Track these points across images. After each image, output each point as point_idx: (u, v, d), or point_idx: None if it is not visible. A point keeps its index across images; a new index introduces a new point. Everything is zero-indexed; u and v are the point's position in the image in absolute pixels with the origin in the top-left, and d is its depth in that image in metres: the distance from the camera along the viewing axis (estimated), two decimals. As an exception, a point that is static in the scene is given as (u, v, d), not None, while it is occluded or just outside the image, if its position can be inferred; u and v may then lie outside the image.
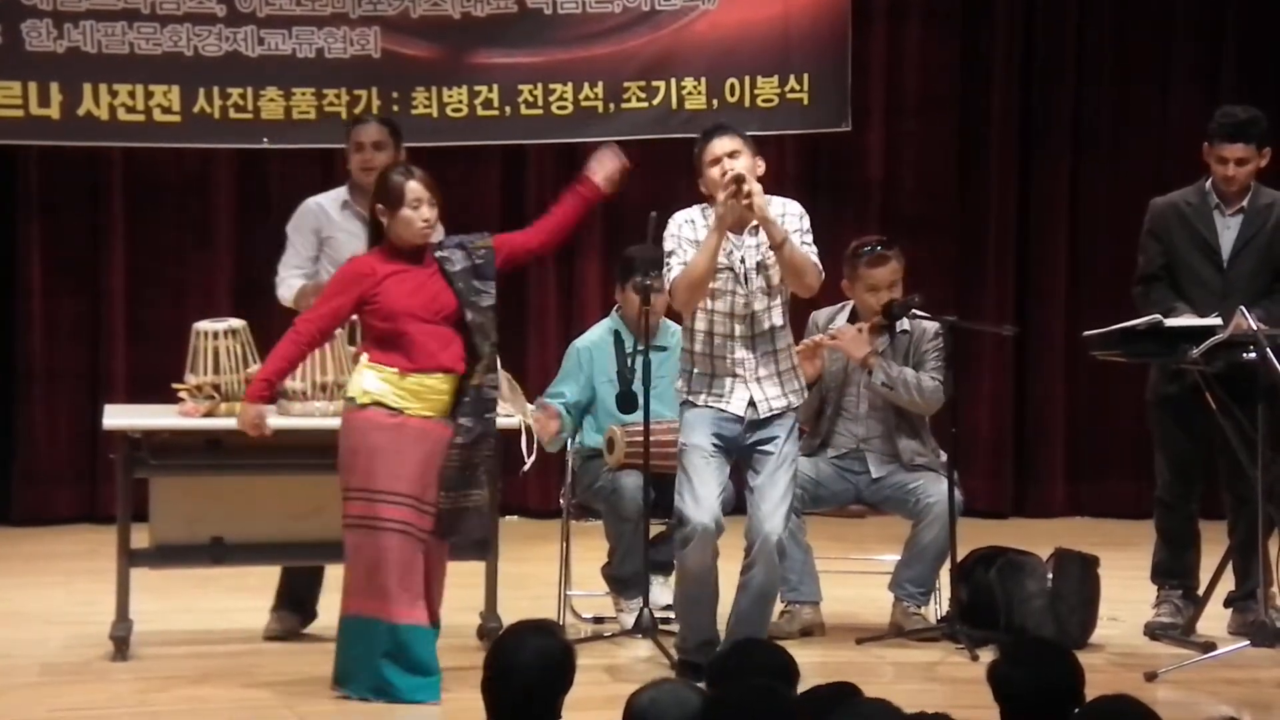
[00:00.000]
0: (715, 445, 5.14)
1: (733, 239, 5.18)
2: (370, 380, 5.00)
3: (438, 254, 5.08)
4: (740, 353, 5.16)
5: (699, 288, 5.12)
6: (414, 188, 5.05)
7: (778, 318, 5.19)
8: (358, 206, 5.70)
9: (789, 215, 5.21)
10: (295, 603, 5.73)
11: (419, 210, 5.05)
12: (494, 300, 5.09)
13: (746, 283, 5.15)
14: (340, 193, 5.81)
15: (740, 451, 5.21)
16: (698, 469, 5.13)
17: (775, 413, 5.18)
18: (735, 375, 5.16)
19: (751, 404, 5.16)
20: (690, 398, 5.19)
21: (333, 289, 5.11)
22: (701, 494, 5.11)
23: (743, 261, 5.16)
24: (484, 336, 5.07)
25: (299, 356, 5.09)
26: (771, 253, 5.13)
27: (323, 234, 5.73)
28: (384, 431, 4.97)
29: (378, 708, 4.97)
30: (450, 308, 5.06)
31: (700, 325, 5.18)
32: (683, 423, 5.21)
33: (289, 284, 5.73)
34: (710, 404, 5.16)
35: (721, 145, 5.17)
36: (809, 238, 5.21)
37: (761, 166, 5.20)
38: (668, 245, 5.21)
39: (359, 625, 4.99)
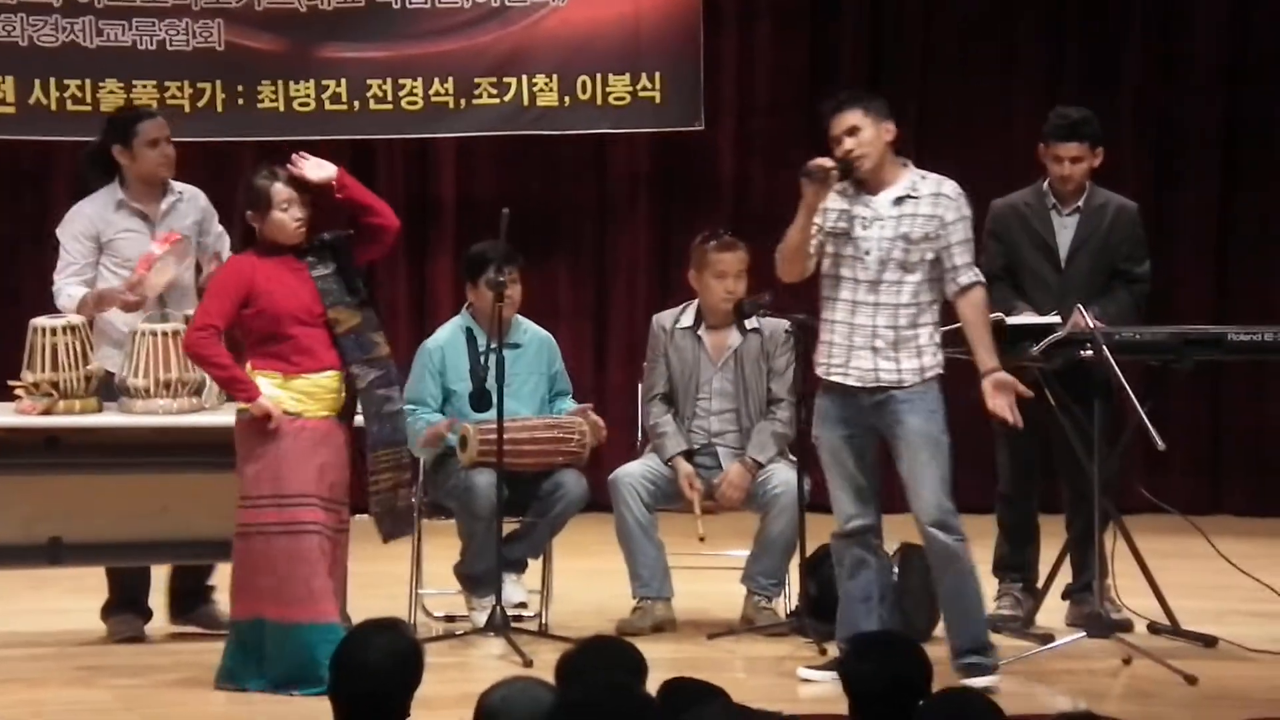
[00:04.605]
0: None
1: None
2: (264, 387, 4.97)
3: (308, 257, 5.07)
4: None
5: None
6: (280, 189, 5.03)
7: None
8: (135, 204, 5.63)
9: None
10: (131, 603, 5.64)
11: (289, 211, 5.03)
12: (361, 298, 5.10)
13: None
14: (110, 194, 5.65)
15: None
16: None
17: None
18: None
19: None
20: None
21: (214, 291, 5.06)
22: None
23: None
24: (363, 335, 5.08)
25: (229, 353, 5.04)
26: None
27: (103, 239, 5.61)
28: (287, 436, 4.95)
29: (226, 708, 4.90)
30: (320, 310, 5.05)
31: None
32: None
33: (68, 293, 5.59)
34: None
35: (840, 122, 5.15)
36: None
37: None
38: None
39: (258, 627, 4.95)
